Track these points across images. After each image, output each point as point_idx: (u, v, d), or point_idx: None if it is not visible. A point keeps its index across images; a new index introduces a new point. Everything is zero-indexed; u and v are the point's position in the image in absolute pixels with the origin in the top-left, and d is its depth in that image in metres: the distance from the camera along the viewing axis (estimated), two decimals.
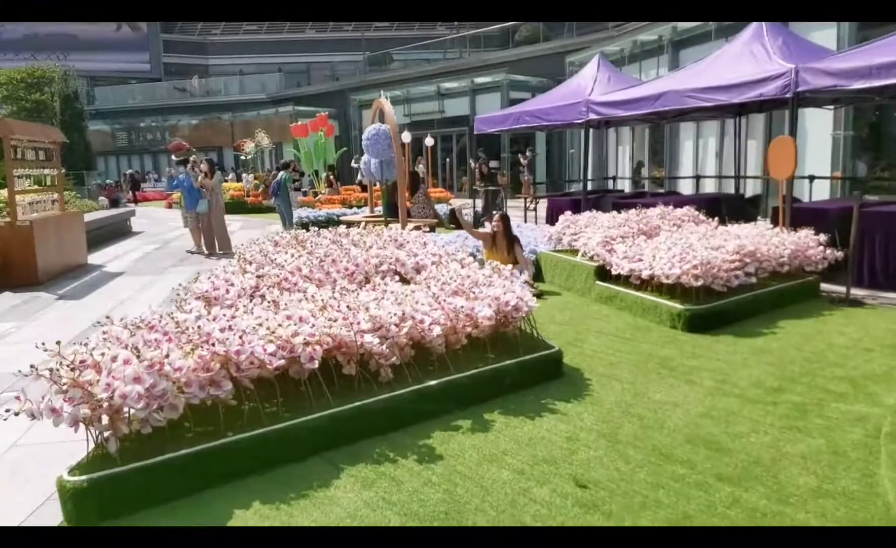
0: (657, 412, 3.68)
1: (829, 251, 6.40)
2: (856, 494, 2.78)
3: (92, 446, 2.84)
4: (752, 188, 12.25)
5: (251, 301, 4.08)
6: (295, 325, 3.41)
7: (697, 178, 13.19)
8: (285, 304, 3.81)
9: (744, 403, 3.79)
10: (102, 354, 2.85)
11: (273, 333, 3.29)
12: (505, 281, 4.48)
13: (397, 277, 4.87)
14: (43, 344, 2.91)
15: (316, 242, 5.96)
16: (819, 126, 11.63)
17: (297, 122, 24.53)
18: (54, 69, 27.25)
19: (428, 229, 8.95)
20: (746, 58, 8.04)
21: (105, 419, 2.73)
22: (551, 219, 11.07)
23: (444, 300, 4.09)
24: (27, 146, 9.25)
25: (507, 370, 3.99)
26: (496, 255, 6.79)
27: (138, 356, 2.86)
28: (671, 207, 7.91)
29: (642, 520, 2.61)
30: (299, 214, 14.23)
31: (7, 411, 2.65)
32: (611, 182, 16.27)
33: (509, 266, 4.94)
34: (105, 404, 2.69)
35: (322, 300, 3.82)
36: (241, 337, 3.16)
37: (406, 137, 17.17)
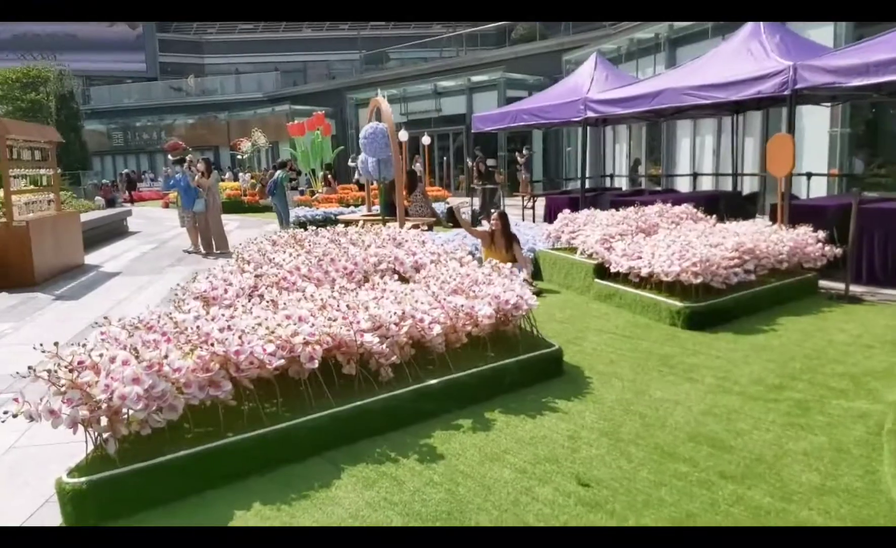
0: (658, 410, 3.67)
1: (827, 248, 6.41)
2: (859, 491, 2.77)
3: (91, 447, 2.82)
4: (749, 185, 12.26)
5: (250, 301, 4.06)
6: (294, 324, 3.39)
7: (694, 175, 13.20)
8: (284, 303, 3.79)
9: (745, 400, 3.78)
10: (101, 355, 2.83)
11: (272, 332, 3.28)
12: (504, 279, 4.47)
13: (396, 276, 4.87)
14: (41, 345, 2.88)
15: (314, 242, 5.95)
16: (816, 123, 11.64)
17: (294, 121, 24.42)
18: (50, 69, 27.10)
19: (426, 228, 8.92)
20: (744, 55, 8.04)
21: (104, 421, 2.71)
22: (549, 217, 11.06)
23: (444, 299, 4.08)
24: (23, 146, 9.21)
25: (508, 369, 3.98)
26: (494, 253, 6.78)
27: (137, 357, 2.84)
28: (669, 205, 7.91)
29: (646, 519, 2.60)
30: (297, 213, 14.19)
31: (5, 412, 2.63)
32: (608, 180, 16.28)
33: (508, 264, 4.93)
34: (104, 406, 2.67)
35: (321, 299, 3.80)
36: (240, 337, 3.13)
37: (403, 135, 17.12)
